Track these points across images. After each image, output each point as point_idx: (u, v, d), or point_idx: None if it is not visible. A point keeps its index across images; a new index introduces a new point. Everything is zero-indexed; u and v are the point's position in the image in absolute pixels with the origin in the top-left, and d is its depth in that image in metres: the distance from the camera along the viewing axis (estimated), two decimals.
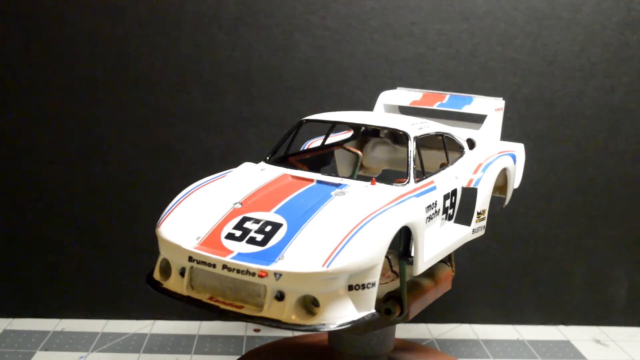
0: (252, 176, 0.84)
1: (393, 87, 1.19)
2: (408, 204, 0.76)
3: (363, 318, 0.69)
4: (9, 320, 1.36)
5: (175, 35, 1.27)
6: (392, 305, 0.82)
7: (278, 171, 0.86)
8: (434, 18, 1.28)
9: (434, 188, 0.85)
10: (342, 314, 0.68)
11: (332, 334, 0.95)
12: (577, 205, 1.38)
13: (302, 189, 0.80)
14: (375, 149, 1.15)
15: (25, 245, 1.35)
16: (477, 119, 1.10)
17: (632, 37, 1.31)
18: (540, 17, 1.29)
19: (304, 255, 0.67)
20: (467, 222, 0.93)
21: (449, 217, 0.91)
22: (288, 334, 1.24)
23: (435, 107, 1.10)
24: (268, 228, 0.72)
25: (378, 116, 1.02)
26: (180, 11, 1.27)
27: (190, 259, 0.71)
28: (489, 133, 1.07)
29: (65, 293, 1.36)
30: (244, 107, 1.30)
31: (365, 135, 1.14)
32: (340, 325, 0.67)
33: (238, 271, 0.68)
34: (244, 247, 0.70)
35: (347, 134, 1.12)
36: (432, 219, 0.84)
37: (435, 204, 0.85)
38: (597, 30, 1.30)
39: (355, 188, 0.80)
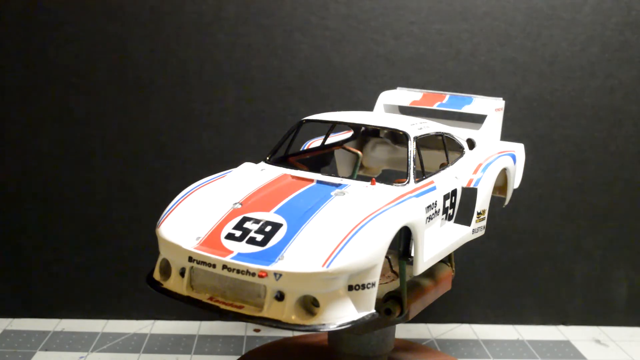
0: (252, 176, 0.84)
1: (393, 87, 1.19)
2: (408, 204, 0.76)
3: (363, 318, 0.69)
4: (9, 320, 1.36)
5: (175, 35, 1.27)
6: (392, 305, 0.82)
7: (278, 171, 0.86)
8: (434, 18, 1.28)
9: (434, 188, 0.85)
10: (342, 314, 0.68)
11: (332, 334, 0.95)
12: (577, 205, 1.38)
13: (302, 189, 0.80)
14: (375, 149, 1.15)
15: (25, 245, 1.35)
16: (477, 119, 1.10)
17: (632, 37, 1.31)
18: (540, 17, 1.29)
19: (304, 255, 0.67)
20: (467, 222, 0.93)
21: (449, 217, 0.91)
22: (288, 334, 1.24)
23: (435, 107, 1.10)
24: (268, 228, 0.72)
25: (378, 116, 1.02)
26: (180, 11, 1.27)
27: (190, 259, 0.71)
28: (489, 133, 1.07)
29: (65, 293, 1.36)
30: (244, 107, 1.30)
31: (365, 135, 1.14)
32: (340, 326, 0.67)
33: (238, 271, 0.68)
34: (244, 247, 0.70)
35: (347, 134, 1.12)
36: (432, 219, 0.84)
37: (435, 204, 0.85)
38: (597, 30, 1.30)
39: (355, 188, 0.80)
